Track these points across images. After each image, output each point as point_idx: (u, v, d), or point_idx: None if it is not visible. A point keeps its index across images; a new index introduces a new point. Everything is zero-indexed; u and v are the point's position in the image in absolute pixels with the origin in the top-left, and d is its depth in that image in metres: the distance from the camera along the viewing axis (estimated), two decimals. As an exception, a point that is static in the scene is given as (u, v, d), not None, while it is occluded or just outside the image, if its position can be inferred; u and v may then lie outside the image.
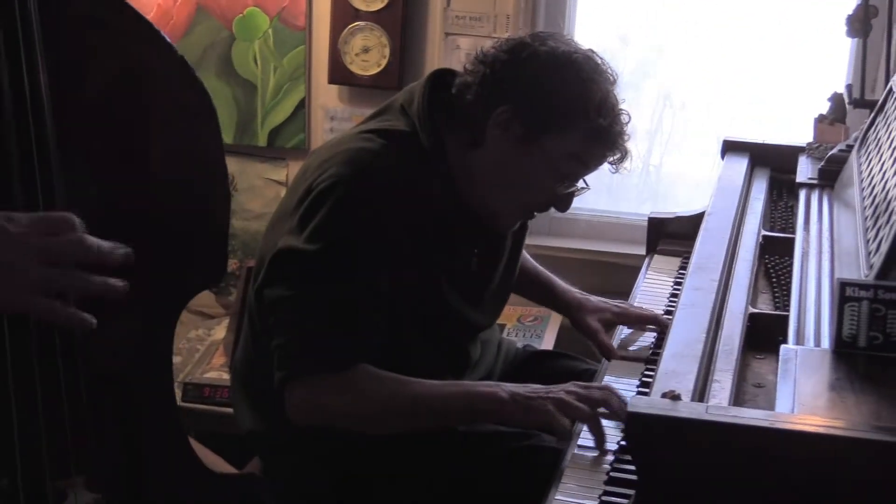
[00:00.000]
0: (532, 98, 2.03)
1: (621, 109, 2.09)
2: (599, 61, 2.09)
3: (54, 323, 1.44)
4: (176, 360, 3.19)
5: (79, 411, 1.59)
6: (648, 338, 2.34)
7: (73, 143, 1.56)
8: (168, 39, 1.71)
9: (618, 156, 2.12)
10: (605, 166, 2.14)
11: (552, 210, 3.50)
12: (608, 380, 2.15)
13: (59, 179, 1.52)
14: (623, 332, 2.37)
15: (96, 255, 1.36)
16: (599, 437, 1.86)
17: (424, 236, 2.04)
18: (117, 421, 1.73)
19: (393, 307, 2.02)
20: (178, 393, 2.99)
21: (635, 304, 2.44)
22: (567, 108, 2.03)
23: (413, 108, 2.10)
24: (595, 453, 1.82)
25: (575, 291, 2.50)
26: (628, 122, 2.11)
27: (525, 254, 2.50)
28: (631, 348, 2.30)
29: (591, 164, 2.11)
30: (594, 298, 2.46)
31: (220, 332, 3.36)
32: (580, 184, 2.14)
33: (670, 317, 2.12)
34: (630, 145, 2.14)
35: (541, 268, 2.56)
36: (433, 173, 2.06)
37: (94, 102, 1.63)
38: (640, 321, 2.36)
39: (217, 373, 3.10)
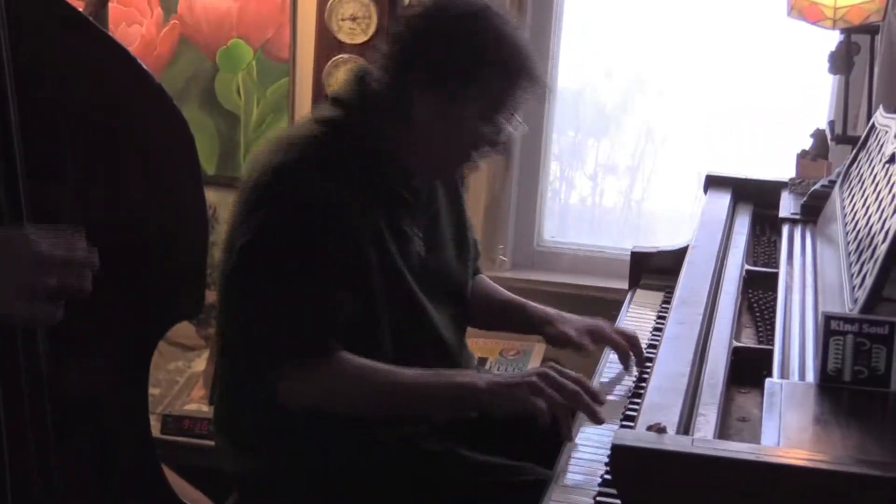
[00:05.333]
0: (443, 65, 2.06)
1: (523, 40, 2.11)
2: (490, 6, 2.11)
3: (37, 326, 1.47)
4: (156, 391, 3.17)
5: (44, 442, 1.57)
6: (627, 383, 2.29)
7: (47, 174, 1.55)
8: (148, 71, 1.70)
9: (534, 82, 2.12)
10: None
11: (534, 244, 3.55)
12: (602, 387, 2.17)
13: (27, 209, 1.51)
14: (602, 374, 2.33)
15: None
16: (566, 432, 1.90)
17: (367, 212, 2.06)
18: (90, 453, 1.70)
19: (368, 306, 2.05)
20: (158, 425, 2.97)
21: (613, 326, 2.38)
22: (477, 64, 2.06)
23: (343, 96, 2.16)
24: (581, 487, 1.81)
25: (548, 308, 2.44)
26: (528, 42, 2.12)
27: (495, 286, 2.50)
28: (609, 395, 2.21)
29: (511, 102, 2.12)
30: (569, 315, 2.41)
31: (201, 364, 3.34)
32: (514, 124, 2.15)
33: (654, 345, 2.12)
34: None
35: (512, 295, 2.52)
36: (370, 152, 2.10)
37: (72, 134, 1.62)
38: (612, 343, 2.29)
39: (197, 405, 3.08)
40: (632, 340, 2.27)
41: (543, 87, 2.16)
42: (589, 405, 1.92)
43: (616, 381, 2.24)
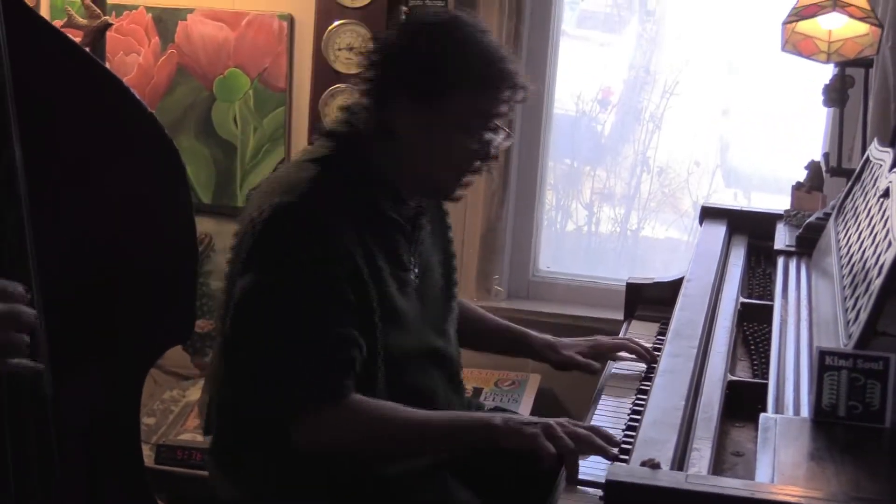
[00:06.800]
0: (418, 78, 2.07)
1: (498, 47, 2.12)
2: (461, 15, 2.16)
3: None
4: (150, 421, 3.16)
5: (49, 470, 1.57)
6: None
7: (35, 200, 1.56)
8: (139, 98, 1.71)
9: (516, 90, 2.13)
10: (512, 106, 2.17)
11: (530, 273, 3.55)
12: (597, 419, 2.17)
13: (30, 239, 1.51)
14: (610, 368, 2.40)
15: (29, 329, 1.42)
16: (572, 472, 1.86)
17: (368, 247, 2.06)
18: (82, 480, 1.70)
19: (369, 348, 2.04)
20: (152, 455, 2.96)
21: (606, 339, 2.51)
22: (452, 74, 2.07)
23: (334, 129, 2.19)
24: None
25: (547, 335, 2.54)
26: (510, 52, 2.15)
27: (488, 314, 2.56)
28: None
29: (494, 111, 2.12)
30: (566, 339, 2.52)
31: (195, 393, 3.33)
32: (499, 133, 2.15)
33: (649, 378, 2.12)
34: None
35: (510, 323, 2.58)
36: (364, 184, 2.11)
37: (63, 161, 1.63)
38: (613, 350, 2.44)
39: (191, 435, 3.07)
40: (627, 345, 2.42)
41: (525, 92, 2.16)
42: (602, 446, 1.90)
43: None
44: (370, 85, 2.12)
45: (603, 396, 2.30)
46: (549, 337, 2.53)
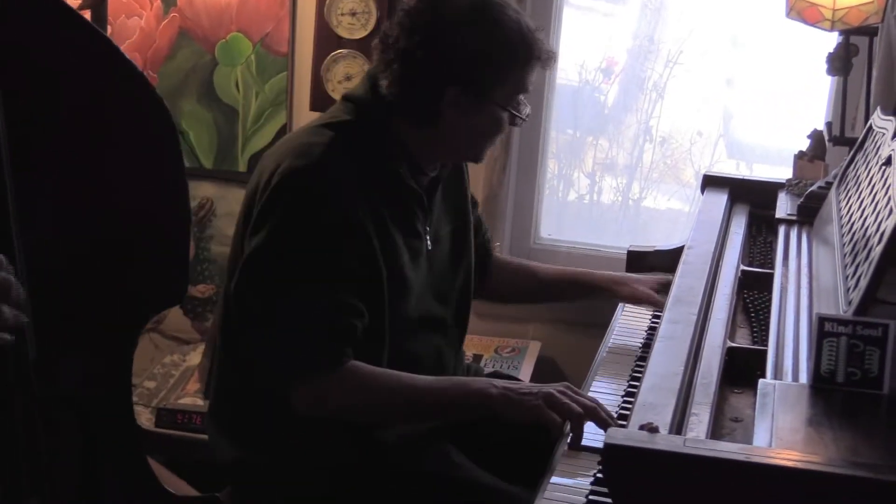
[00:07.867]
0: (467, 74, 2.09)
1: (528, 21, 2.14)
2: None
3: None
4: (150, 385, 3.17)
5: (33, 433, 1.57)
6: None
7: (28, 163, 1.55)
8: (127, 58, 1.70)
9: (548, 59, 2.17)
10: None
11: (531, 241, 3.56)
12: (597, 385, 2.19)
13: (13, 201, 1.51)
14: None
15: (15, 301, 1.40)
16: (578, 436, 1.89)
17: (382, 218, 2.07)
18: (74, 443, 1.71)
19: (375, 319, 2.05)
20: (152, 418, 2.97)
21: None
22: (501, 62, 2.10)
23: (356, 96, 2.16)
24: (573, 486, 1.81)
25: (611, 272, 2.64)
26: (535, 27, 2.15)
27: (540, 266, 2.66)
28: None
29: (530, 83, 2.18)
30: (633, 275, 2.62)
31: (196, 357, 3.34)
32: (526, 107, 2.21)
33: (648, 344, 2.12)
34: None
35: (565, 268, 2.68)
36: (383, 154, 2.11)
37: (50, 121, 1.62)
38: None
39: (191, 399, 3.08)
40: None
41: (555, 59, 2.21)
42: (605, 420, 1.92)
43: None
44: (406, 61, 2.07)
45: (604, 362, 2.31)
46: (612, 273, 2.63)
